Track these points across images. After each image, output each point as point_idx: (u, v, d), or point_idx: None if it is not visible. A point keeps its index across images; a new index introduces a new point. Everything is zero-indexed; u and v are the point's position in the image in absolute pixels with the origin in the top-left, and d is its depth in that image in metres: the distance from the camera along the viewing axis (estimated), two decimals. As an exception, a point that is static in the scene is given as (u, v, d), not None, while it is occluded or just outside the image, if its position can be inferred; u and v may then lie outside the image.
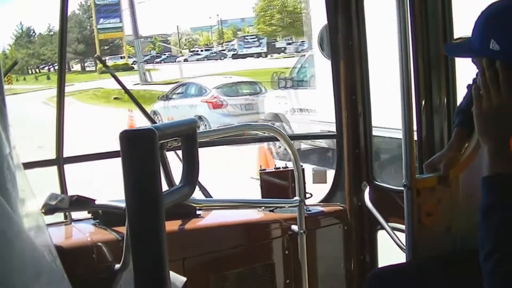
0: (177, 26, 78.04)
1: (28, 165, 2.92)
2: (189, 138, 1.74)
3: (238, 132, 3.22)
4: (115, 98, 32.18)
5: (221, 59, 58.46)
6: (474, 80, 2.12)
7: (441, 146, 3.14)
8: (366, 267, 3.61)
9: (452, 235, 2.57)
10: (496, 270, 1.78)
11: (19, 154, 2.06)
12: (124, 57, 67.47)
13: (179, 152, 3.21)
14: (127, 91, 3.65)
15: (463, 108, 2.69)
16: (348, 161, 3.59)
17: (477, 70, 2.02)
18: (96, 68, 63.57)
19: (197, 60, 59.09)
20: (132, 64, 60.97)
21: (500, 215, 1.81)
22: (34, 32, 71.23)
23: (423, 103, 3.21)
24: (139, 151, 1.39)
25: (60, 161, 3.31)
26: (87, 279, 2.55)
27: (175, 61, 58.69)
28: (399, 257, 2.82)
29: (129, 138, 1.40)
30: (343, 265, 3.64)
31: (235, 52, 60.89)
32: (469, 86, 2.62)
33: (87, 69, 68.89)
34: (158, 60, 65.08)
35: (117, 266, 2.75)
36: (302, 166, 3.29)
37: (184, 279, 2.85)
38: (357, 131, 3.55)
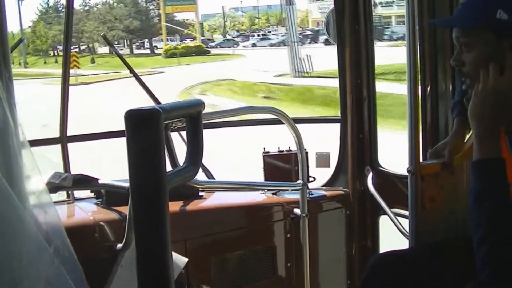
0: (222, 6, 68.06)
1: (32, 143, 2.92)
2: (194, 119, 1.72)
3: (241, 114, 3.22)
4: (266, 97, 25.11)
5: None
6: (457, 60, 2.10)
7: (445, 133, 3.13)
8: (367, 252, 3.61)
9: (454, 221, 2.57)
10: (489, 257, 1.79)
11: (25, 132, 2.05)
12: (195, 37, 56.24)
13: (183, 133, 3.24)
14: (136, 75, 3.59)
15: (459, 100, 2.66)
16: (351, 145, 3.59)
17: None
18: (151, 50, 53.59)
19: (270, 45, 50.76)
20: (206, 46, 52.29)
21: (491, 201, 1.82)
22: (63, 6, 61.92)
23: (429, 89, 3.20)
24: (144, 131, 1.38)
25: (63, 140, 3.31)
26: (89, 258, 2.55)
27: (233, 46, 52.29)
28: (400, 243, 2.82)
29: (134, 117, 1.39)
30: (344, 250, 3.64)
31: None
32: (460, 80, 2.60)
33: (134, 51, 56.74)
34: (213, 44, 57.02)
35: (119, 246, 2.76)
36: (305, 149, 3.29)
37: (186, 259, 2.86)
38: (362, 116, 3.55)
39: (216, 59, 45.18)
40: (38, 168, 2.08)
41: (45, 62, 50.17)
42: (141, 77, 3.35)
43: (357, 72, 3.49)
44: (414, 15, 2.47)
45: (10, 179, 1.90)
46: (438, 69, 3.18)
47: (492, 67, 1.90)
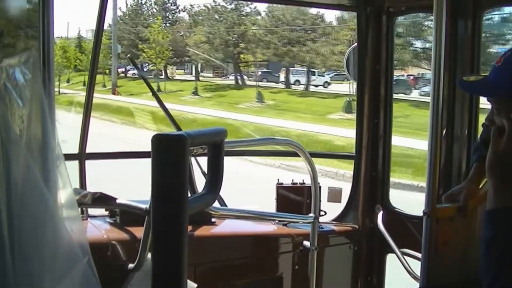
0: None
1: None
2: (216, 146, 1.76)
3: (262, 145, 3.27)
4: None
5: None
6: (488, 119, 2.13)
7: (458, 176, 3.16)
8: (372, 290, 3.62)
9: (466, 264, 2.58)
10: None
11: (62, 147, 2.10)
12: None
13: (199, 159, 3.28)
14: (158, 98, 3.62)
15: (480, 146, 2.70)
16: (364, 183, 3.62)
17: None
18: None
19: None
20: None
21: (501, 249, 1.85)
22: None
23: (444, 132, 3.23)
24: (170, 155, 1.42)
25: (82, 156, 3.35)
26: (100, 276, 2.59)
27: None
28: (405, 282, 2.84)
29: (161, 141, 1.43)
30: (349, 285, 3.65)
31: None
32: (484, 125, 2.63)
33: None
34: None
35: (131, 265, 2.77)
36: (319, 184, 3.32)
37: (195, 285, 2.88)
38: (376, 154, 3.58)
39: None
40: (70, 183, 2.12)
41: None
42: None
43: (375, 112, 3.54)
44: (440, 56, 2.50)
45: (48, 190, 1.95)
46: (456, 112, 3.21)
47: None
